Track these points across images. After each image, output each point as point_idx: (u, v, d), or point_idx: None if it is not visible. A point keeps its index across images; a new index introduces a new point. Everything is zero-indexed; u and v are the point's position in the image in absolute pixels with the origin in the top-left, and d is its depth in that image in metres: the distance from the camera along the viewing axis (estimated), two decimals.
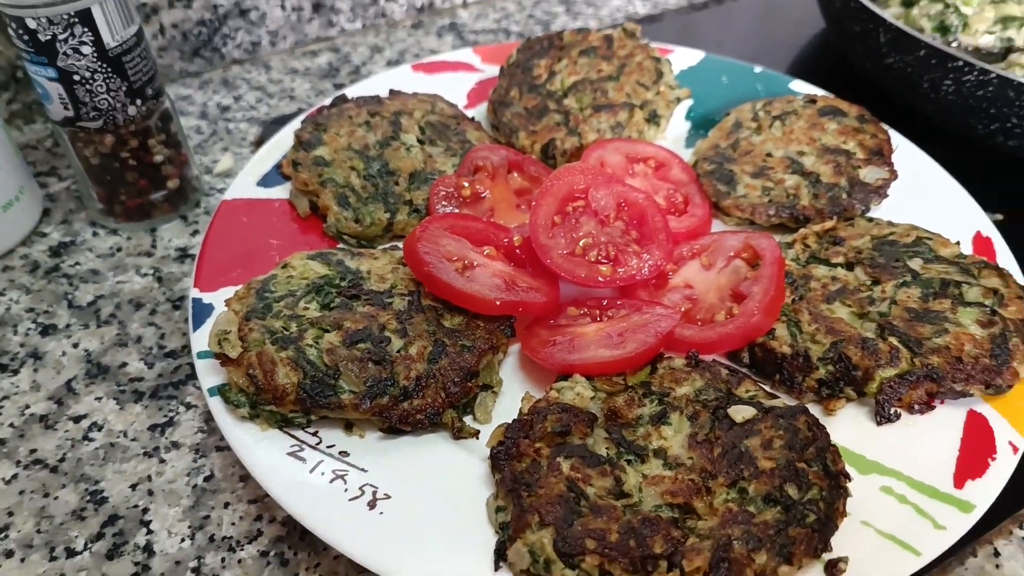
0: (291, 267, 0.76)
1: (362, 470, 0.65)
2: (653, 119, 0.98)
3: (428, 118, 0.95)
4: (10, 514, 0.70)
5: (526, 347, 0.75)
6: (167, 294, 0.89)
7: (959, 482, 0.64)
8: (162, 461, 0.74)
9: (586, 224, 0.82)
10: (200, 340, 0.73)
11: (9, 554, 0.68)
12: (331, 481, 0.64)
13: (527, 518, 0.58)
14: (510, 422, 0.66)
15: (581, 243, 0.80)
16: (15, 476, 0.73)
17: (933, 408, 0.70)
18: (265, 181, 0.91)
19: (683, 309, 0.79)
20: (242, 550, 0.68)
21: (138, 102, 0.87)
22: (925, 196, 0.90)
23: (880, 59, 1.04)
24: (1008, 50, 1.21)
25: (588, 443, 0.64)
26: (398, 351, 0.70)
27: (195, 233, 0.97)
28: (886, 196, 0.88)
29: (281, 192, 0.90)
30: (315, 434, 0.68)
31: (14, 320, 0.86)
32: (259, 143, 1.09)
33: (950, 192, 0.91)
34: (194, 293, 0.78)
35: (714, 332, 0.75)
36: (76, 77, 0.82)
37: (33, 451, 0.75)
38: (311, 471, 0.64)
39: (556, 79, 1.01)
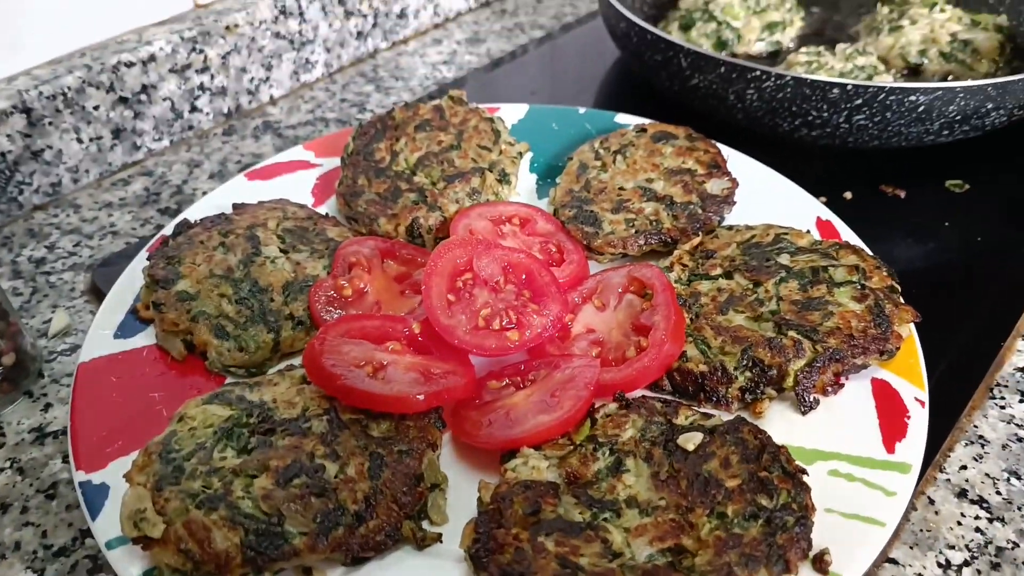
0: (188, 418, 0.70)
1: None
2: (504, 178, 1.00)
3: (284, 225, 0.91)
4: None
5: (461, 434, 0.73)
6: (35, 484, 0.78)
7: (889, 446, 0.70)
8: None
9: (480, 295, 0.81)
10: (104, 528, 0.65)
11: None
12: None
13: None
14: (477, 516, 0.64)
15: (482, 314, 0.79)
16: None
17: (842, 386, 0.75)
18: (123, 331, 0.82)
19: (594, 354, 0.80)
20: None
21: None
22: (764, 196, 0.98)
23: (684, 81, 1.12)
24: (778, 52, 1.36)
25: (561, 513, 0.63)
26: (336, 476, 0.65)
27: (47, 407, 0.85)
28: (734, 203, 0.94)
29: (144, 339, 0.82)
30: None
31: None
32: (93, 290, 0.98)
33: (783, 187, 0.99)
34: (79, 477, 0.69)
35: (632, 369, 0.77)
36: None
37: None
38: None
39: (400, 158, 1.00)
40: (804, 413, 0.74)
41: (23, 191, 1.10)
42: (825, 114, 1.03)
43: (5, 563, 0.72)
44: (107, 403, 0.75)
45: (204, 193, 1.14)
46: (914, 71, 1.30)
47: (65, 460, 0.80)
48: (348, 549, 0.62)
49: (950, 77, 1.27)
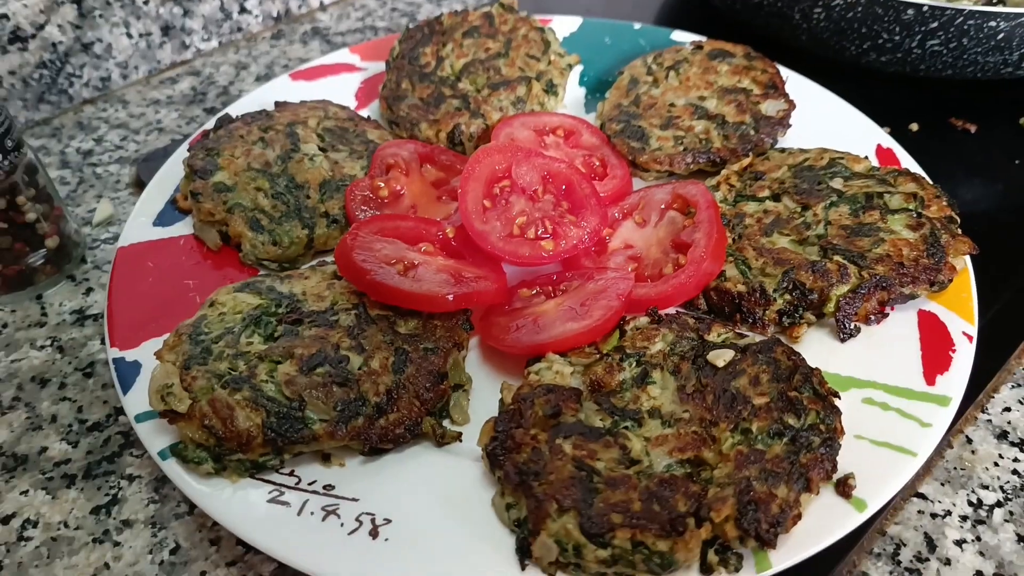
0: (219, 304, 0.70)
1: (353, 500, 0.60)
2: (551, 89, 0.97)
3: (324, 124, 0.90)
4: None
5: (488, 338, 0.72)
6: (73, 363, 0.80)
7: (930, 379, 0.67)
8: (116, 544, 0.66)
9: (517, 203, 0.80)
10: (134, 403, 0.66)
11: None
12: (323, 519, 0.59)
13: (545, 508, 0.55)
14: (497, 415, 0.63)
15: (517, 222, 0.78)
16: None
17: (886, 315, 0.72)
18: (161, 220, 0.83)
19: (630, 269, 0.78)
20: None
21: None
22: (822, 120, 0.94)
23: None
24: None
25: (581, 418, 0.62)
26: (360, 368, 0.65)
27: (88, 292, 0.87)
28: (789, 126, 0.90)
29: (183, 228, 0.83)
30: (292, 473, 0.62)
31: None
32: (137, 183, 0.99)
33: (843, 112, 0.95)
34: (113, 353, 0.70)
35: (668, 285, 0.75)
36: None
37: None
38: (299, 513, 0.59)
39: (445, 64, 0.98)
40: (843, 340, 0.71)
41: (73, 84, 1.11)
42: (897, 37, 0.97)
43: (41, 433, 0.74)
44: (143, 286, 0.76)
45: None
46: None
47: (103, 341, 0.82)
48: (367, 439, 0.62)
49: None
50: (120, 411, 0.76)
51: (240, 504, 0.60)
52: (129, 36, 1.13)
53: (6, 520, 0.68)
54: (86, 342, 0.82)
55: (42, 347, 0.82)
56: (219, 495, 0.60)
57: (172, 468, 0.62)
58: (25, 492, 0.70)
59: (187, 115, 1.11)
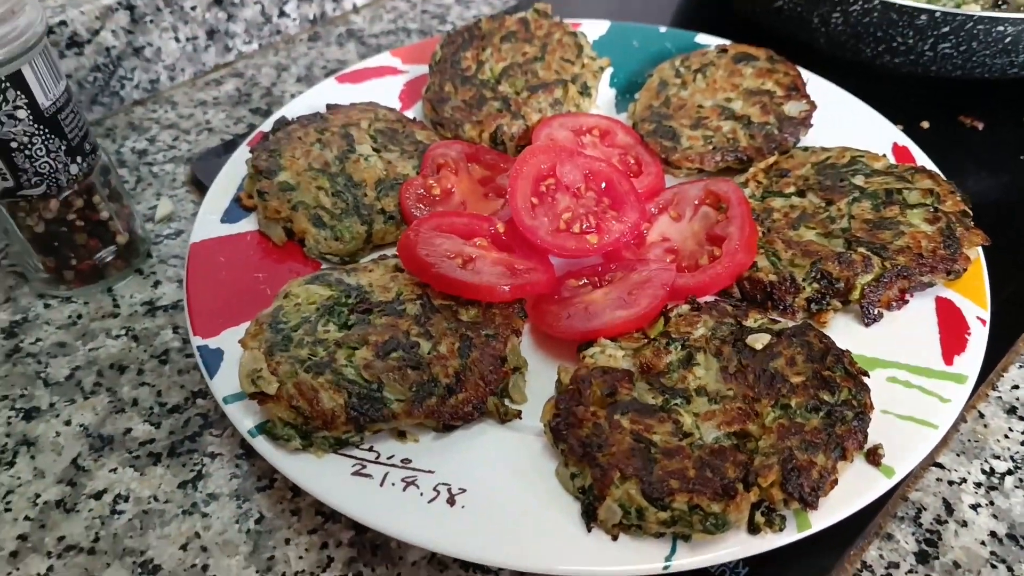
0: (293, 295, 0.76)
1: (429, 472, 0.67)
2: (585, 91, 1.03)
3: (375, 126, 0.96)
4: None
5: (542, 325, 0.78)
6: (149, 351, 0.86)
7: (948, 359, 0.73)
8: (205, 515, 0.73)
9: (562, 199, 0.86)
10: (221, 386, 0.72)
11: None
12: (404, 489, 0.65)
13: (609, 475, 0.61)
14: (556, 395, 0.70)
15: (563, 218, 0.84)
16: (51, 568, 0.69)
17: (907, 302, 0.79)
18: (228, 217, 0.89)
19: (668, 261, 0.84)
20: None
21: (78, 159, 0.83)
22: (841, 119, 1.00)
23: (767, 3, 1.13)
24: None
25: (635, 396, 0.68)
26: (429, 353, 0.71)
27: (156, 284, 0.93)
28: (811, 126, 0.96)
29: (248, 225, 0.88)
30: (371, 449, 0.68)
31: None
32: (193, 181, 1.05)
33: (860, 112, 1.01)
34: (197, 341, 0.76)
35: (706, 275, 0.81)
36: (13, 144, 0.77)
37: (61, 538, 0.71)
38: (381, 485, 0.65)
39: (485, 68, 1.04)
40: (867, 325, 0.77)
41: (124, 86, 1.16)
42: (910, 41, 1.03)
43: (125, 416, 0.80)
44: (217, 279, 0.82)
45: (292, 95, 1.20)
46: (1003, 1, 1.27)
47: (175, 331, 0.88)
48: (440, 416, 0.68)
49: None
50: (197, 394, 0.82)
51: (327, 476, 0.66)
52: (177, 40, 1.18)
53: (98, 496, 0.74)
54: (159, 331, 0.88)
55: (117, 336, 0.88)
56: (307, 468, 0.66)
57: (262, 444, 0.68)
58: (114, 470, 0.76)
59: (234, 115, 1.17)
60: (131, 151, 1.11)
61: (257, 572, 0.69)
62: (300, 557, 0.70)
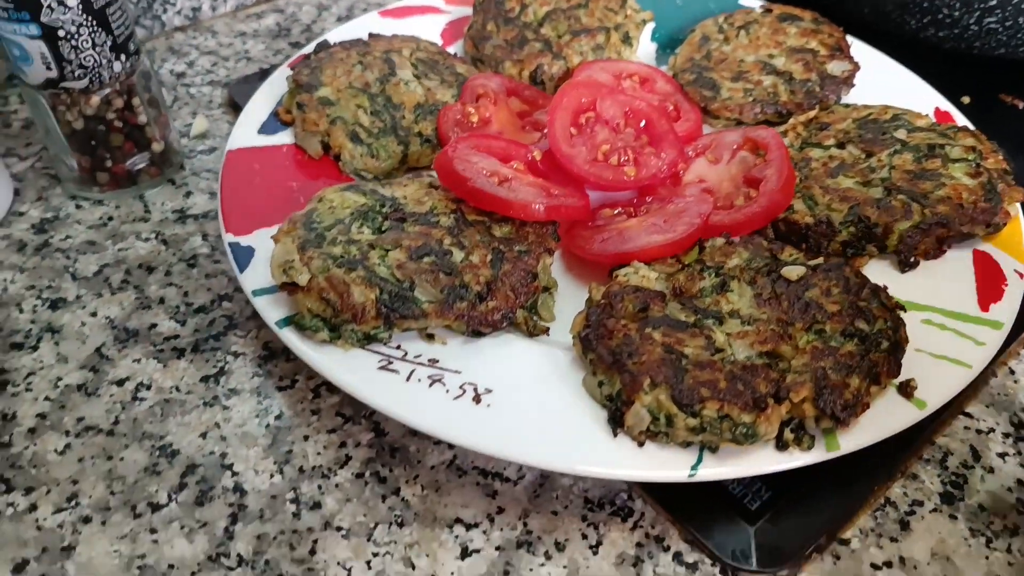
0: (328, 199, 0.76)
1: (456, 372, 0.66)
2: (627, 40, 1.03)
3: (417, 55, 0.96)
4: (75, 482, 0.67)
5: (575, 248, 0.78)
6: (178, 255, 0.86)
7: (984, 306, 0.72)
8: (225, 408, 0.72)
9: (601, 132, 0.85)
10: (251, 280, 0.72)
11: (87, 520, 0.64)
12: (430, 386, 0.65)
13: (639, 381, 0.61)
14: (588, 309, 0.69)
15: (601, 149, 0.84)
16: (68, 446, 0.69)
17: (944, 253, 0.78)
18: (265, 129, 0.89)
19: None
20: (336, 475, 0.68)
21: (122, 58, 0.83)
22: (883, 83, 0.99)
23: None
24: None
25: (667, 314, 0.67)
26: (462, 261, 0.71)
27: (188, 195, 0.93)
28: (853, 86, 0.96)
29: (284, 138, 0.88)
30: (398, 347, 0.68)
31: (15, 299, 0.81)
32: (231, 103, 1.05)
33: (903, 77, 1.00)
34: (229, 238, 0.76)
35: (741, 214, 0.80)
36: (61, 33, 0.78)
37: (81, 419, 0.71)
38: (407, 380, 0.65)
39: (529, 11, 1.04)
40: (903, 271, 0.77)
41: (167, 10, 1.17)
42: (956, 13, 1.03)
43: (151, 312, 0.80)
44: (251, 184, 0.82)
45: None
46: None
47: (204, 238, 0.88)
48: (469, 321, 0.68)
49: None
50: (224, 297, 0.82)
51: (353, 369, 0.65)
52: None
53: (120, 383, 0.74)
54: (188, 237, 0.88)
55: (147, 239, 0.88)
56: (333, 360, 0.66)
57: (289, 336, 0.67)
58: (137, 360, 0.76)
59: (273, 47, 1.17)
60: (170, 72, 1.11)
61: (275, 463, 0.68)
62: (318, 454, 0.69)
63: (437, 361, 0.67)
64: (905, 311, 0.68)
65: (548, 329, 0.72)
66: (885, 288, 0.69)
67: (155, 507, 0.65)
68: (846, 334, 0.64)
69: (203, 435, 0.70)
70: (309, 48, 0.96)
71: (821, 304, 0.67)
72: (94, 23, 0.79)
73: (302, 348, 0.67)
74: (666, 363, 0.62)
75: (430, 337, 0.69)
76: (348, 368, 0.65)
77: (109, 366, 0.75)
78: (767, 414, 0.59)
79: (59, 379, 0.74)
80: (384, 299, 0.66)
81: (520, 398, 0.64)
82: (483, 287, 0.69)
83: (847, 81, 0.96)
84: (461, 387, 0.65)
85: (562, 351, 0.69)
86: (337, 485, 0.67)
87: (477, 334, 0.69)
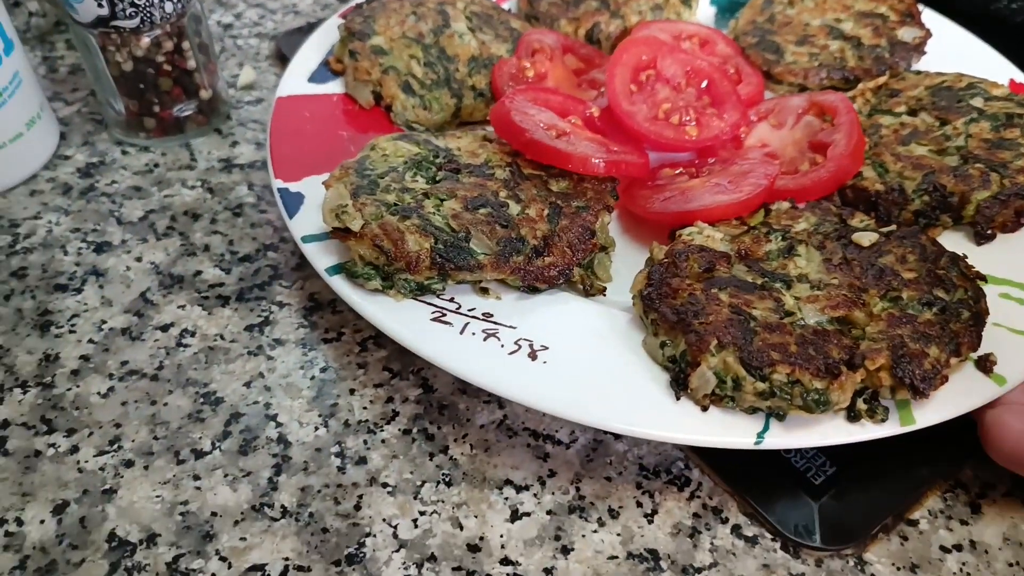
0: (381, 148, 0.73)
1: (511, 327, 0.64)
2: (686, 2, 0.99)
3: (471, 8, 0.93)
4: (117, 425, 0.65)
5: (634, 206, 0.75)
6: (223, 203, 0.84)
7: None
8: (270, 358, 0.70)
9: (662, 90, 0.82)
10: (301, 226, 0.70)
11: (129, 464, 0.63)
12: (484, 340, 0.62)
13: (706, 341, 0.58)
14: (651, 267, 0.66)
15: (662, 108, 0.80)
16: (111, 389, 0.68)
17: (1022, 226, 0.74)
18: (315, 77, 0.86)
19: None
20: (382, 431, 0.66)
21: None
22: (955, 52, 0.95)
23: None
24: None
25: (734, 275, 0.64)
26: (518, 215, 0.68)
27: (234, 144, 0.91)
28: (924, 53, 0.92)
29: (335, 87, 0.86)
30: (452, 300, 0.65)
31: (59, 241, 0.79)
32: (278, 55, 1.03)
33: (975, 47, 0.96)
34: (277, 184, 0.73)
35: (807, 179, 0.77)
36: None
37: (125, 363, 0.70)
38: (461, 333, 0.63)
39: None
40: (979, 244, 0.73)
41: None
42: None
43: (196, 259, 0.78)
44: (301, 132, 0.80)
45: None
46: None
47: (250, 187, 0.86)
48: (525, 275, 0.65)
49: None
50: (269, 247, 0.80)
51: (405, 319, 0.63)
52: None
53: (165, 328, 0.72)
54: (234, 187, 0.86)
55: (193, 187, 0.86)
56: (384, 309, 0.64)
57: (339, 283, 0.65)
58: (182, 307, 0.74)
59: (321, 2, 1.15)
60: (217, 23, 1.09)
61: (320, 416, 0.66)
62: (364, 408, 0.67)
63: (492, 315, 0.64)
64: (986, 281, 0.64)
65: (605, 289, 0.69)
66: (964, 256, 0.66)
67: (199, 454, 0.64)
68: (924, 302, 0.61)
69: (247, 384, 0.68)
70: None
71: (896, 271, 0.64)
72: None
73: (353, 297, 0.64)
74: (734, 324, 0.59)
75: (484, 291, 0.67)
76: (400, 319, 0.63)
77: (153, 311, 0.74)
78: (840, 381, 0.56)
79: (103, 322, 0.73)
80: (439, 248, 0.64)
81: (578, 357, 0.62)
82: (540, 241, 0.67)
83: (918, 48, 0.91)
84: (516, 343, 0.62)
85: (620, 311, 0.66)
86: (383, 441, 0.65)
87: (533, 290, 0.67)
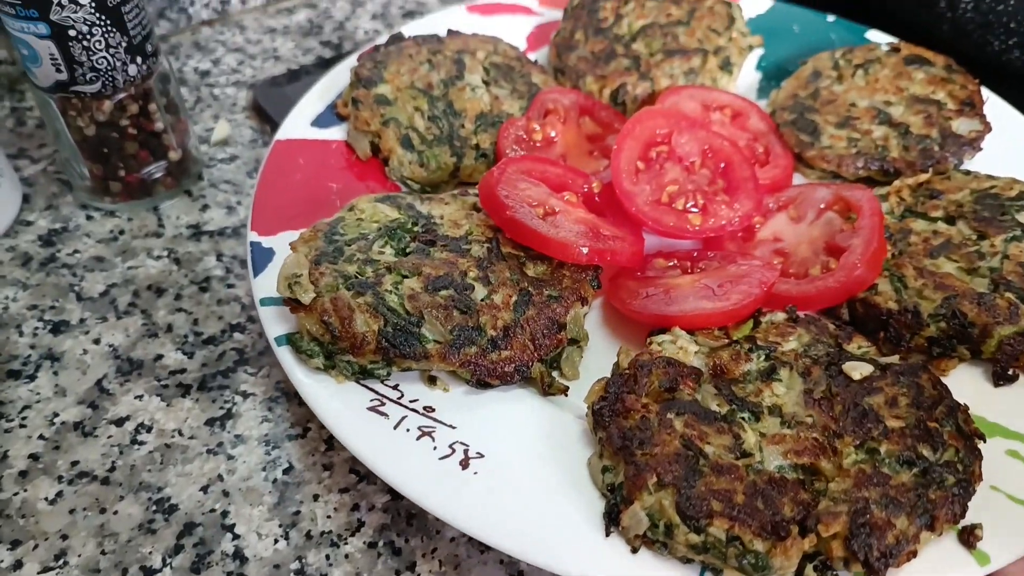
0: (359, 209, 0.71)
1: (450, 427, 0.60)
2: (726, 67, 0.93)
3: (492, 59, 0.89)
4: (64, 537, 0.62)
5: (615, 299, 0.70)
6: (189, 276, 0.82)
7: None
8: (230, 457, 0.67)
9: (671, 171, 0.77)
10: (263, 286, 0.68)
11: None
12: (418, 438, 0.59)
13: (643, 477, 0.53)
14: (610, 377, 0.61)
15: (667, 190, 0.75)
16: (60, 494, 0.65)
17: None
18: (319, 121, 0.85)
19: (775, 263, 0.74)
20: (346, 544, 0.62)
21: (138, 60, 0.78)
22: (1014, 148, 0.85)
23: None
24: None
25: (698, 399, 0.59)
26: (482, 300, 0.64)
27: (204, 208, 0.88)
28: (980, 149, 0.83)
29: (337, 133, 0.84)
30: (395, 387, 0.62)
31: (16, 320, 0.77)
32: (255, 107, 1.01)
33: None
34: (252, 236, 0.72)
35: (813, 286, 0.70)
36: (71, 33, 0.73)
37: (75, 463, 0.67)
38: (395, 427, 0.59)
39: (623, 22, 0.95)
40: (997, 385, 0.65)
41: (193, 3, 1.13)
42: None
43: (157, 341, 0.76)
44: (291, 180, 0.78)
45: (365, 32, 1.16)
46: None
47: (219, 258, 0.84)
48: (476, 370, 0.61)
49: None
50: (236, 328, 0.77)
51: (340, 404, 0.60)
52: None
53: (120, 422, 0.70)
54: (202, 257, 0.84)
55: (159, 257, 0.84)
56: (322, 390, 0.61)
57: (284, 355, 0.63)
58: (140, 397, 0.72)
59: (303, 46, 1.13)
60: (193, 71, 1.08)
61: (280, 526, 0.64)
62: (328, 516, 0.64)
63: (433, 410, 0.61)
64: (985, 441, 0.57)
65: (567, 389, 0.65)
66: (966, 408, 0.58)
67: (148, 572, 0.61)
68: (904, 460, 0.54)
69: (204, 489, 0.66)
70: (382, 39, 0.91)
71: (881, 416, 0.57)
72: (108, 23, 0.74)
73: (295, 372, 0.62)
74: (680, 460, 0.54)
75: (432, 380, 0.63)
76: (335, 404, 0.60)
77: (109, 402, 0.71)
78: (786, 545, 0.50)
79: (55, 415, 0.70)
80: (387, 332, 0.61)
81: (512, 471, 0.57)
82: (499, 332, 0.63)
83: (973, 143, 0.83)
84: (451, 446, 0.58)
85: (575, 419, 0.62)
86: (347, 556, 0.62)
87: (484, 385, 0.63)
